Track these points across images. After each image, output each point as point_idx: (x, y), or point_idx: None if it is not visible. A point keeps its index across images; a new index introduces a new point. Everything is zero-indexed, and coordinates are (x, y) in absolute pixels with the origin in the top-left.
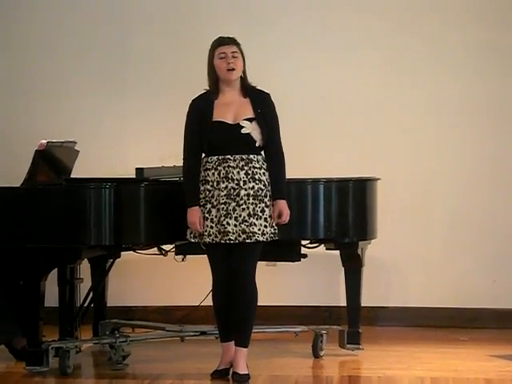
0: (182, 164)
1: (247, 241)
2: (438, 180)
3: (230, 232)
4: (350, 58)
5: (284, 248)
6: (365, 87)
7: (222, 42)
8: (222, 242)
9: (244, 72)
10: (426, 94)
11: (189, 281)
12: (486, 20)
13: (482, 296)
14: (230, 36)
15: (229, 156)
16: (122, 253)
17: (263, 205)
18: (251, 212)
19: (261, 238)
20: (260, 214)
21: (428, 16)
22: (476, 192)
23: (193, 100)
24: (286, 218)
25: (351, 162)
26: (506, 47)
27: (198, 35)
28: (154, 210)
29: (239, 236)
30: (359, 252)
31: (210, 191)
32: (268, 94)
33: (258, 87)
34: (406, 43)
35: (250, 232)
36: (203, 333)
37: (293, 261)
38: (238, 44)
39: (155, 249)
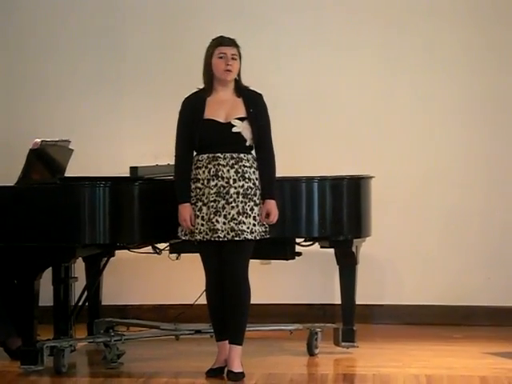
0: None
1: (236, 238)
2: (432, 178)
3: (218, 230)
4: (345, 57)
5: (278, 246)
6: (360, 85)
7: (223, 42)
8: (212, 239)
9: (239, 73)
10: (420, 93)
11: (183, 279)
12: (481, 19)
13: (477, 293)
14: (231, 37)
15: (219, 154)
16: (117, 251)
17: (252, 203)
18: (240, 210)
19: (249, 237)
20: (249, 213)
21: (423, 15)
22: (471, 190)
23: (185, 98)
24: (273, 218)
25: (345, 160)
26: (502, 46)
27: (192, 35)
28: (148, 208)
29: (228, 234)
30: (354, 250)
31: (200, 189)
32: (260, 95)
33: (252, 88)
34: (400, 42)
35: (239, 230)
36: (198, 331)
37: (287, 259)
38: (238, 46)
39: (149, 247)
